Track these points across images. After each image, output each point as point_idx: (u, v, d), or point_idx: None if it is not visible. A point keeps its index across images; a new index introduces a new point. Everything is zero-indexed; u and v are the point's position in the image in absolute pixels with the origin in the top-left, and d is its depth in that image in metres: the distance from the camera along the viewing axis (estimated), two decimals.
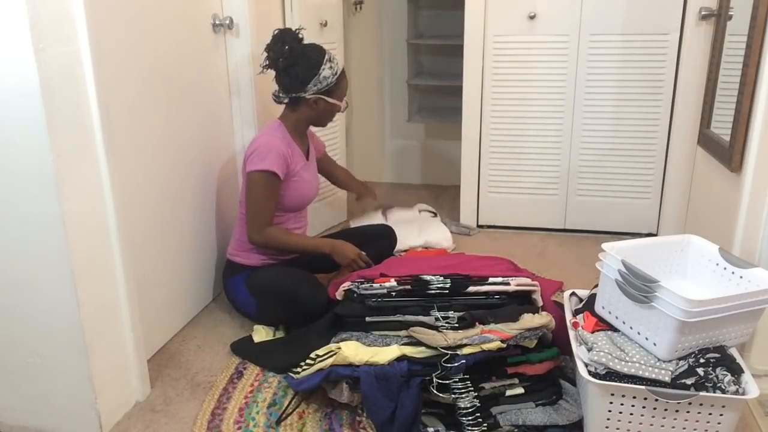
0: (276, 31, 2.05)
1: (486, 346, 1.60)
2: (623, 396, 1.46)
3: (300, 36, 2.06)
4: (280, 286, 1.99)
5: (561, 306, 1.83)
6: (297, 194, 2.11)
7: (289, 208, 2.13)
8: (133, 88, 1.80)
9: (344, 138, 3.04)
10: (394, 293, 1.76)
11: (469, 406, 1.57)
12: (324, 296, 1.98)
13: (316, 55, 2.03)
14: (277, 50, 2.02)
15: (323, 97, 2.05)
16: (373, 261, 2.17)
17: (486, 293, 1.76)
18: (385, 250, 2.31)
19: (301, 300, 1.94)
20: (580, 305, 1.76)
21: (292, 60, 2.02)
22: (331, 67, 2.04)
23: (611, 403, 1.47)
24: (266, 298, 2.03)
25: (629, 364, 1.45)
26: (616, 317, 1.59)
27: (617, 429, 1.50)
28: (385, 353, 1.65)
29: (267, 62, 2.05)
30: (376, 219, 2.85)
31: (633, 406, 1.46)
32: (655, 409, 1.45)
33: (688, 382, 1.43)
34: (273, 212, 2.05)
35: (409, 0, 3.44)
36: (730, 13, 2.12)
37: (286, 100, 2.09)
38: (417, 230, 2.76)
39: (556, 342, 1.74)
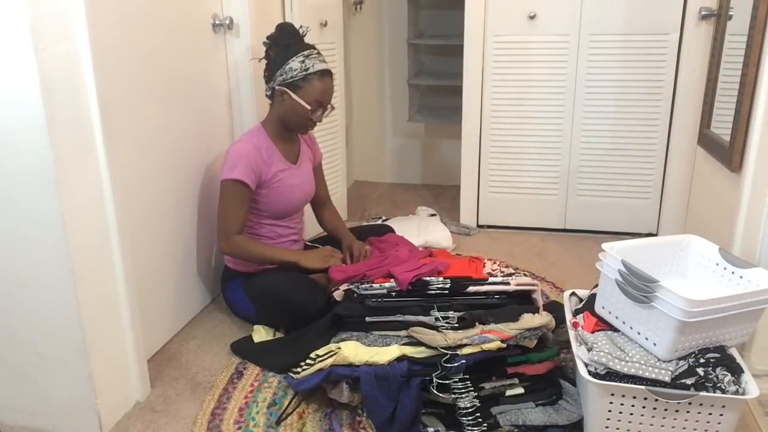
0: (278, 24, 2.05)
1: (486, 346, 1.60)
2: (623, 396, 1.46)
3: (299, 31, 2.03)
4: (277, 291, 1.97)
5: (560, 305, 1.83)
6: (279, 199, 2.06)
7: (275, 215, 2.09)
8: (133, 88, 1.80)
9: (344, 138, 3.04)
10: (394, 293, 1.76)
11: (469, 406, 1.57)
12: (322, 299, 1.97)
13: (297, 48, 1.98)
14: (270, 39, 2.02)
15: (288, 90, 1.98)
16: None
17: (486, 293, 1.76)
18: None
19: (299, 304, 1.93)
20: (580, 305, 1.76)
21: (274, 47, 2.00)
22: (302, 62, 1.96)
23: (611, 403, 1.47)
24: (265, 304, 2.02)
25: (629, 364, 1.45)
26: (616, 317, 1.59)
27: (617, 429, 1.50)
28: (385, 353, 1.65)
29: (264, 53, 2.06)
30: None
31: (633, 406, 1.46)
32: (655, 409, 1.45)
33: (688, 382, 1.43)
34: (241, 221, 2.00)
35: (409, 0, 3.45)
36: (730, 13, 2.13)
37: (268, 93, 2.07)
38: (417, 229, 2.76)
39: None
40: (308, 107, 1.99)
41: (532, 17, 2.69)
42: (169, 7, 1.96)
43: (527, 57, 2.75)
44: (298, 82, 1.97)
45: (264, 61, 2.06)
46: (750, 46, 1.78)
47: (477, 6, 2.72)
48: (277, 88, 2.00)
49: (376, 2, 3.54)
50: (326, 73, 2.01)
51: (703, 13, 2.40)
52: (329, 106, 2.06)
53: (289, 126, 2.08)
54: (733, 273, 1.63)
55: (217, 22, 2.22)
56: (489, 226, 3.02)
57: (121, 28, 1.73)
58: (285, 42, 1.99)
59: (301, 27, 2.05)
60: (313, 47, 2.03)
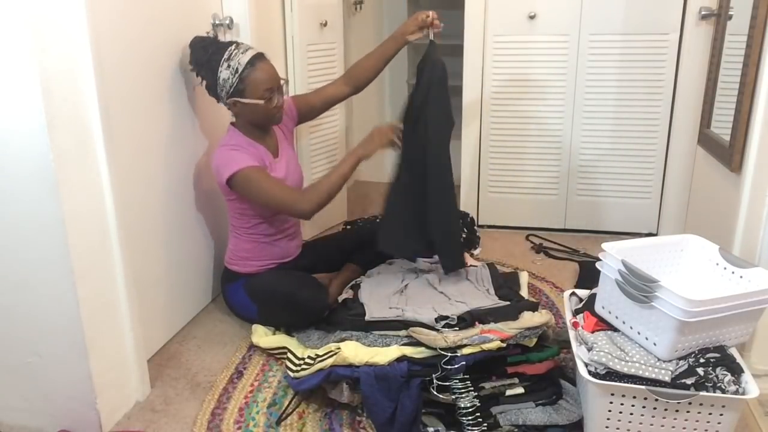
0: (191, 43, 1.96)
1: (486, 346, 1.60)
2: (623, 396, 1.46)
3: (208, 38, 1.96)
4: (280, 290, 1.98)
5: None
6: None
7: (266, 212, 2.04)
8: (132, 88, 1.80)
9: (344, 138, 3.04)
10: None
11: (469, 405, 1.57)
12: (325, 296, 1.98)
13: (216, 58, 1.90)
14: (192, 64, 1.96)
15: (236, 99, 1.92)
16: (368, 266, 2.16)
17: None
18: (380, 254, 2.29)
19: (301, 302, 1.93)
20: (580, 305, 1.76)
21: (201, 70, 1.94)
22: (228, 67, 1.88)
23: (611, 403, 1.47)
24: (267, 303, 2.02)
25: (629, 364, 1.45)
26: (616, 317, 1.59)
27: (617, 429, 1.50)
28: (385, 353, 1.65)
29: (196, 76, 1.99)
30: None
31: (633, 406, 1.46)
32: (655, 409, 1.45)
33: (688, 382, 1.43)
34: (286, 186, 1.96)
35: (409, 0, 3.44)
36: (730, 13, 2.13)
37: (226, 107, 2.00)
38: None
39: None
40: (262, 102, 1.92)
41: (532, 17, 2.69)
42: (169, 7, 1.96)
43: (527, 57, 2.75)
44: (238, 87, 1.90)
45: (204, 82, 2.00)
46: (750, 46, 1.78)
47: (477, 6, 2.72)
48: (226, 103, 1.95)
49: (376, 2, 3.54)
50: (257, 59, 1.91)
51: (703, 13, 2.40)
52: (282, 82, 1.98)
53: (259, 124, 2.02)
54: (733, 273, 1.63)
55: (217, 22, 2.22)
56: (489, 226, 3.02)
57: (121, 28, 1.73)
58: (205, 59, 1.92)
59: (207, 33, 1.99)
60: (229, 44, 1.93)
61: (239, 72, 1.89)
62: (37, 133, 1.41)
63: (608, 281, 1.59)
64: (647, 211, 2.83)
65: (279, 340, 1.98)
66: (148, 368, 1.83)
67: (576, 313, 1.72)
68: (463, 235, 2.71)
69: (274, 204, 1.94)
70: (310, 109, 2.20)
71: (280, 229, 2.12)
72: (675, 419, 1.45)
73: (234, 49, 1.91)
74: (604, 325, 1.62)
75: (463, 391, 1.58)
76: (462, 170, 2.96)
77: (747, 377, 1.44)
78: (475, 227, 2.88)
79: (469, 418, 1.56)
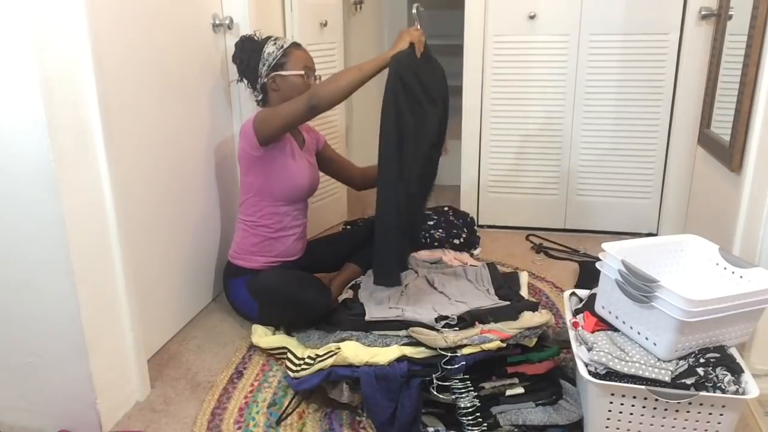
0: (237, 42, 2.13)
1: (486, 346, 1.60)
2: (623, 396, 1.46)
3: (253, 36, 2.12)
4: (282, 289, 1.97)
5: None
6: (286, 174, 2.04)
7: (280, 197, 2.06)
8: (133, 87, 1.80)
9: (344, 138, 3.04)
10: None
11: (469, 405, 1.57)
12: (327, 297, 1.98)
13: (263, 42, 2.09)
14: (237, 57, 2.11)
15: (277, 72, 2.06)
16: (368, 266, 2.16)
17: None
18: None
19: (304, 302, 1.93)
20: (580, 305, 1.76)
21: (245, 56, 2.09)
22: (275, 43, 2.07)
23: (611, 403, 1.47)
24: (269, 302, 2.02)
25: (629, 364, 1.45)
26: (616, 317, 1.59)
27: (617, 429, 1.50)
28: (385, 354, 1.65)
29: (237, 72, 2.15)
30: None
31: (633, 406, 1.46)
32: (655, 409, 1.45)
33: (688, 382, 1.43)
34: (297, 97, 1.98)
35: (409, 0, 3.45)
36: (730, 13, 2.13)
37: (260, 97, 2.13)
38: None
39: None
40: (302, 73, 2.07)
41: (532, 17, 2.70)
42: (169, 7, 1.96)
43: (527, 57, 2.75)
44: (280, 60, 2.06)
45: (244, 81, 2.15)
46: (750, 46, 1.78)
47: (477, 6, 2.73)
48: (267, 80, 2.07)
49: (376, 2, 3.54)
50: (298, 44, 2.12)
51: (703, 13, 2.40)
52: (317, 75, 2.14)
53: None
54: (733, 273, 1.63)
55: (217, 22, 2.22)
56: (489, 226, 3.02)
57: (121, 28, 1.73)
58: (249, 47, 2.09)
59: (255, 32, 2.14)
60: (272, 35, 2.12)
61: (284, 47, 2.07)
62: (37, 133, 1.41)
63: (608, 281, 1.59)
64: (647, 211, 2.83)
65: (279, 340, 1.97)
66: (148, 368, 1.83)
67: (576, 313, 1.73)
68: (463, 236, 2.71)
69: (294, 113, 1.93)
70: (328, 160, 2.33)
71: (288, 225, 2.12)
72: (675, 419, 1.45)
73: (279, 37, 2.12)
74: (604, 325, 1.62)
75: (463, 391, 1.58)
76: (462, 170, 2.96)
77: (747, 377, 1.44)
78: (475, 227, 2.88)
79: (469, 418, 1.57)
